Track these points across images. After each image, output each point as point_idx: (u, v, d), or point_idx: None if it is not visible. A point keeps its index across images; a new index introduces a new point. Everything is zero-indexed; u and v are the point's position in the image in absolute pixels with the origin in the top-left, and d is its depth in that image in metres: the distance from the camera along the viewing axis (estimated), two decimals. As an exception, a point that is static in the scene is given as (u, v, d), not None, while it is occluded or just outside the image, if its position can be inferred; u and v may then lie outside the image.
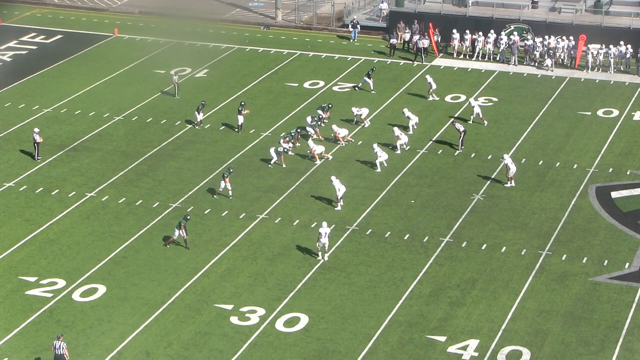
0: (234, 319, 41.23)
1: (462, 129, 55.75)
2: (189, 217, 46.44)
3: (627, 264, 44.93)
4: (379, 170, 53.31)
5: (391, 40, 70.74)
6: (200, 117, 58.96)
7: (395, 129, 56.39)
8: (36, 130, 55.08)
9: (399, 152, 55.66)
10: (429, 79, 62.87)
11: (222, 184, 50.44)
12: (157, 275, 44.38)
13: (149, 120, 60.23)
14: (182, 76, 66.37)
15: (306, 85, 65.39)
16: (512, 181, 51.63)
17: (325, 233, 44.87)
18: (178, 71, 66.98)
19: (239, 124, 58.20)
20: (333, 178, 49.95)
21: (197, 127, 58.65)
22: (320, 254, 45.24)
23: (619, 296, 42.57)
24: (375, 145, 53.89)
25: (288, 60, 70.09)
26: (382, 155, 53.56)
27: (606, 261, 45.17)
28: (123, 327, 40.74)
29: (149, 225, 48.43)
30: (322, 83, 65.84)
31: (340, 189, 49.62)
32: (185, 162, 54.71)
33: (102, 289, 43.33)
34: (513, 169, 51.46)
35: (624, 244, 46.52)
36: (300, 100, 62.79)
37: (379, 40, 73.62)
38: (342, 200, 49.83)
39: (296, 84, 65.41)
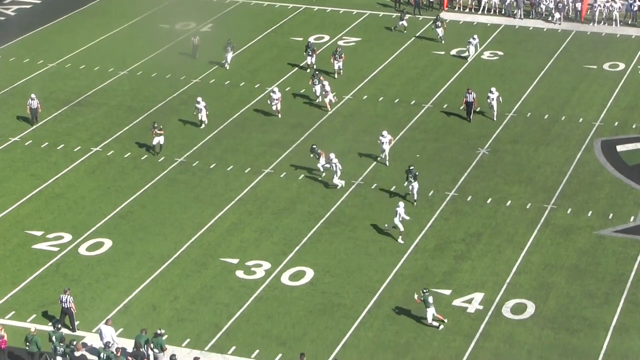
0: (240, 273, 41.40)
1: (471, 99, 53.09)
2: None
3: (632, 218, 44.95)
4: (339, 186, 47.50)
5: (395, -9, 70.56)
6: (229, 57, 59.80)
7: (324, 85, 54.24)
8: (33, 96, 54.09)
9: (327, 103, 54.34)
10: None
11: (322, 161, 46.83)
12: (162, 229, 44.50)
13: (153, 75, 60.12)
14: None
15: (311, 39, 65.08)
16: None
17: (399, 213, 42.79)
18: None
19: (154, 144, 50.67)
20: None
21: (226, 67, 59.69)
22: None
23: (624, 249, 42.63)
24: (332, 156, 47.62)
25: (293, 14, 69.76)
26: (338, 172, 47.11)
27: (611, 215, 45.20)
28: (129, 281, 40.94)
29: (155, 180, 48.50)
30: (327, 37, 65.57)
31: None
32: (190, 117, 54.64)
33: (108, 243, 43.49)
34: None
35: (629, 197, 46.52)
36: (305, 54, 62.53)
37: (384, -6, 73.31)
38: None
39: (301, 38, 65.12)
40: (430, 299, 37.78)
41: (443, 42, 63.70)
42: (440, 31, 63.99)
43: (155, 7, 70.96)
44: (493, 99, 53.39)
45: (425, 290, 37.90)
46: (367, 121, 54.23)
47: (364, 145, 51.50)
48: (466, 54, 61.90)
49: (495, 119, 53.54)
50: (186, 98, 57.01)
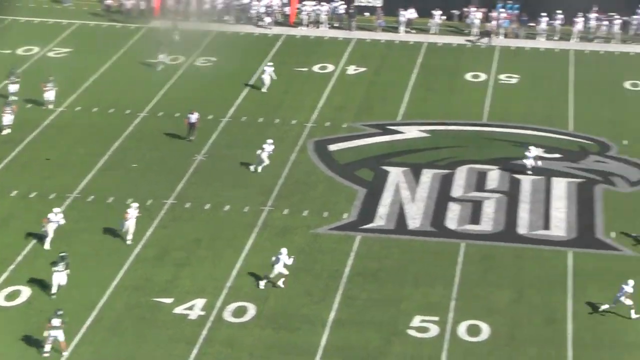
0: (-49, 298, 39.72)
1: (194, 119, 51.98)
2: None
3: (346, 215, 46.36)
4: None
5: (105, 2, 69.64)
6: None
7: None
8: None
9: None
10: None
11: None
12: None
13: None
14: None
15: (19, 52, 63.28)
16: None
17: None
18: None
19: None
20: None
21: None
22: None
23: (338, 246, 43.91)
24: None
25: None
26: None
27: (326, 213, 46.44)
28: None
29: None
30: (36, 49, 63.96)
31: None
32: None
33: None
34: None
35: (342, 195, 47.96)
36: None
37: (95, 3, 72.17)
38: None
39: (9, 51, 63.17)
40: (57, 322, 36.32)
41: None
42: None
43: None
44: (268, 151, 49.61)
45: (58, 312, 36.64)
46: (81, 132, 53.28)
47: (78, 157, 50.56)
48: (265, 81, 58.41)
49: (260, 170, 49.57)
50: None
